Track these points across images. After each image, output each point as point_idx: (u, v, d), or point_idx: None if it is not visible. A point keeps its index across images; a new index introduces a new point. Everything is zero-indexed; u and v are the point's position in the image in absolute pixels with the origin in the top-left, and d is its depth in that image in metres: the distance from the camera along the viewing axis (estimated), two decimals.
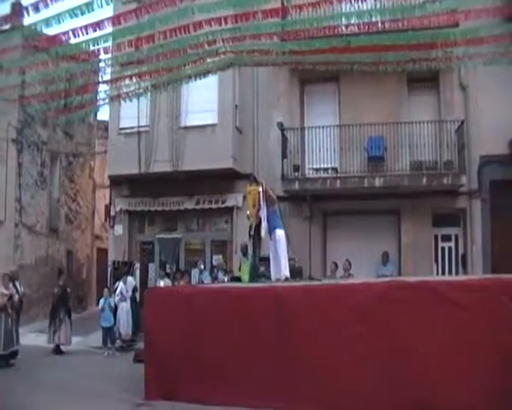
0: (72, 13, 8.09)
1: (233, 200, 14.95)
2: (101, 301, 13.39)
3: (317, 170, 14.44)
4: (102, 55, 9.81)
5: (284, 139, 14.24)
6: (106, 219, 19.76)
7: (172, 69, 10.46)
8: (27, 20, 9.36)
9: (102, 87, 11.51)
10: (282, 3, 11.10)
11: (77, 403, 7.85)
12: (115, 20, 9.08)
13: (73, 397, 8.16)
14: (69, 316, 13.24)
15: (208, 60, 10.34)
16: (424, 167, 13.70)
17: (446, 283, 7.06)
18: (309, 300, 7.13)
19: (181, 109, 15.01)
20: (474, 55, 9.89)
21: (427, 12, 9.72)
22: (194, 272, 14.31)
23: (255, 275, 10.02)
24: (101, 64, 10.77)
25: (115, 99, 11.66)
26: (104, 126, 20.08)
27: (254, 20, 9.18)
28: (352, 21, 9.76)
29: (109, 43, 9.43)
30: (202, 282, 13.21)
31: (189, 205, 15.34)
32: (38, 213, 18.01)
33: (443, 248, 14.11)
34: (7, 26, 10.54)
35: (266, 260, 9.80)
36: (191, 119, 14.86)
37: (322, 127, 13.94)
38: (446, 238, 14.13)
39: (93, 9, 7.97)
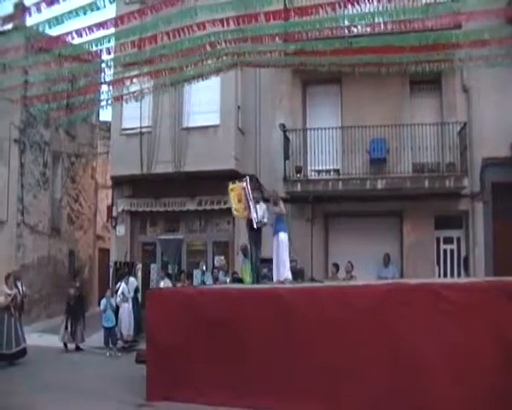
0: (75, 13, 8.11)
1: None
2: (103, 301, 13.43)
3: (319, 172, 14.43)
4: (105, 56, 9.84)
5: (286, 141, 14.20)
6: (108, 220, 19.74)
7: (175, 70, 10.47)
8: (30, 20, 9.41)
9: (105, 88, 11.54)
10: (285, 5, 11.11)
11: (78, 403, 7.86)
12: (118, 20, 9.11)
13: (75, 397, 8.17)
14: (83, 316, 13.51)
15: (210, 61, 10.36)
16: (426, 169, 13.69)
17: (448, 285, 7.05)
18: (310, 301, 7.14)
19: (183, 110, 15.02)
20: (477, 57, 9.88)
21: (430, 14, 9.71)
22: (196, 273, 14.31)
23: (257, 277, 10.02)
24: (104, 65, 10.78)
25: (118, 100, 11.69)
26: (106, 127, 20.09)
27: (257, 22, 9.20)
28: (355, 23, 9.77)
29: (112, 44, 9.45)
30: (204, 283, 13.22)
31: (191, 206, 15.33)
32: (40, 214, 18.03)
33: (445, 251, 14.07)
34: (9, 26, 10.56)
35: (268, 261, 9.81)
36: (193, 120, 14.86)
37: (325, 129, 13.90)
38: (448, 240, 14.09)
39: (97, 8, 7.96)
